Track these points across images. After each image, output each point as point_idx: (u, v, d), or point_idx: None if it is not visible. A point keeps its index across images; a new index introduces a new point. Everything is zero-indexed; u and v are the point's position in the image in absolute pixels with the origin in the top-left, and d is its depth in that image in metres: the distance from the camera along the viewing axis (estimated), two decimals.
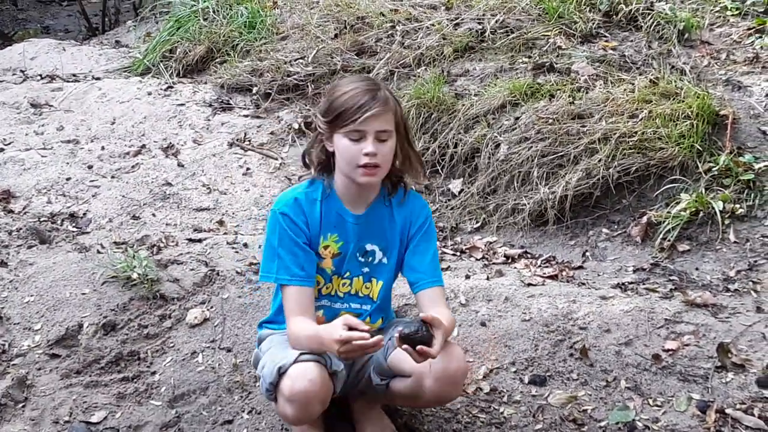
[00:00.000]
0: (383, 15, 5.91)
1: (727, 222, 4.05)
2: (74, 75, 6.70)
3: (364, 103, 2.64)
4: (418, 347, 2.50)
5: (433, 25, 5.67)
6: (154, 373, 3.34)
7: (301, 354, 2.62)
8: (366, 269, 2.89)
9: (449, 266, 4.09)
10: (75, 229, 4.35)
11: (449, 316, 2.75)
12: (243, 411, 3.15)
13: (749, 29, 5.33)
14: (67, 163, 5.09)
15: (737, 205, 4.08)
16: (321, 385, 2.59)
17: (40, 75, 6.69)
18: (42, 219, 4.42)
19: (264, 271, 2.83)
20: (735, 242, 3.99)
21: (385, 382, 2.88)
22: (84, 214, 4.54)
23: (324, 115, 2.72)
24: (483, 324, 3.53)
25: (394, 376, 2.86)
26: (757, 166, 4.20)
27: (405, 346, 2.51)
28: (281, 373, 2.61)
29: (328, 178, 2.84)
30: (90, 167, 5.09)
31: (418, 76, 5.33)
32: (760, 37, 5.23)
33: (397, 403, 3.05)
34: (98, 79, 6.52)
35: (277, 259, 2.78)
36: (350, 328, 2.50)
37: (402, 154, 2.79)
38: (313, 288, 2.81)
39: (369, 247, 2.87)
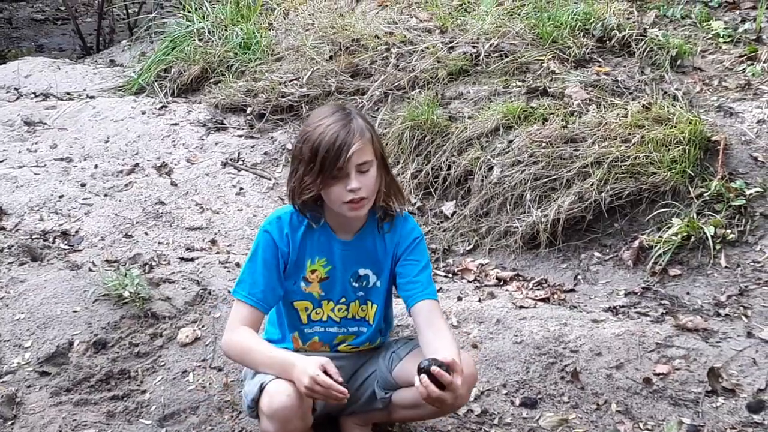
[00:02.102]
0: (378, 37, 5.93)
1: (718, 247, 4.07)
2: (68, 93, 6.71)
3: (342, 142, 2.59)
4: (435, 371, 2.47)
5: (427, 48, 5.70)
6: (144, 391, 3.33)
7: None
8: (361, 293, 2.88)
9: (441, 287, 4.09)
10: (67, 247, 4.34)
11: (452, 339, 2.71)
12: (233, 431, 3.14)
13: (741, 56, 5.38)
14: (60, 181, 5.09)
15: (728, 231, 4.11)
16: (298, 400, 2.55)
17: (34, 93, 6.69)
18: (34, 236, 4.41)
19: (235, 287, 2.82)
20: (726, 267, 4.01)
21: (389, 395, 2.89)
22: (76, 231, 4.53)
23: (307, 170, 2.65)
24: (474, 346, 3.53)
25: (397, 389, 2.86)
26: (748, 192, 4.22)
27: (423, 376, 2.49)
28: (261, 388, 2.61)
29: (316, 212, 2.81)
30: (83, 185, 5.08)
31: (413, 99, 5.35)
32: (752, 64, 5.28)
33: (396, 418, 3.02)
34: (92, 97, 6.53)
35: (242, 274, 2.79)
36: (326, 373, 2.47)
37: (383, 183, 2.77)
38: (263, 315, 2.78)
39: (362, 272, 2.87)
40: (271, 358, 2.62)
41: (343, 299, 2.87)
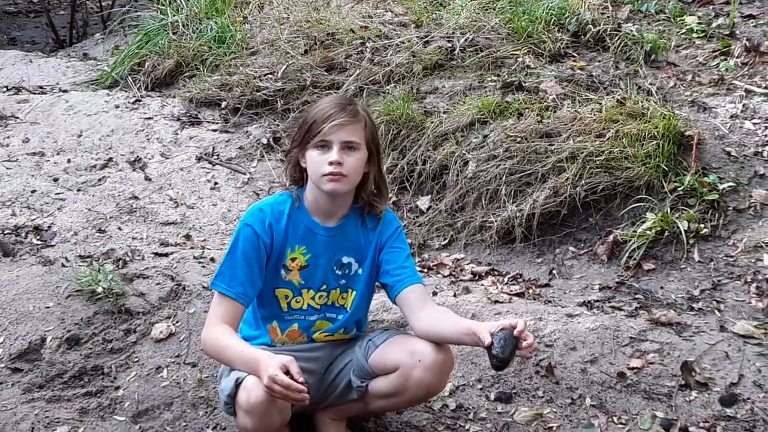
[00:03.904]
0: (353, 32, 5.92)
1: (691, 241, 4.10)
2: (41, 87, 6.63)
3: (332, 114, 2.69)
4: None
5: (402, 42, 5.69)
6: (117, 388, 3.31)
7: None
8: (343, 281, 2.90)
9: None
10: (39, 242, 4.30)
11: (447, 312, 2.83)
12: (208, 427, 3.12)
13: (714, 51, 5.42)
14: (33, 176, 5.04)
15: (702, 225, 4.14)
16: None
17: (6, 86, 6.60)
18: (6, 231, 4.36)
19: (214, 279, 2.83)
20: (699, 261, 4.04)
21: (365, 384, 2.89)
22: (49, 227, 4.49)
23: (296, 133, 2.78)
24: None
25: (373, 378, 2.87)
26: (721, 187, 4.26)
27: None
28: (238, 384, 2.60)
29: (298, 191, 2.86)
30: (56, 180, 5.04)
31: (388, 93, 5.35)
32: (725, 59, 5.32)
33: (372, 409, 3.01)
34: (65, 91, 6.46)
35: (222, 267, 2.80)
36: (287, 373, 2.46)
37: (372, 179, 2.83)
38: (243, 307, 2.79)
39: (345, 259, 2.88)
40: (241, 355, 2.61)
41: (324, 286, 2.88)
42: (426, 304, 2.84)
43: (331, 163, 2.68)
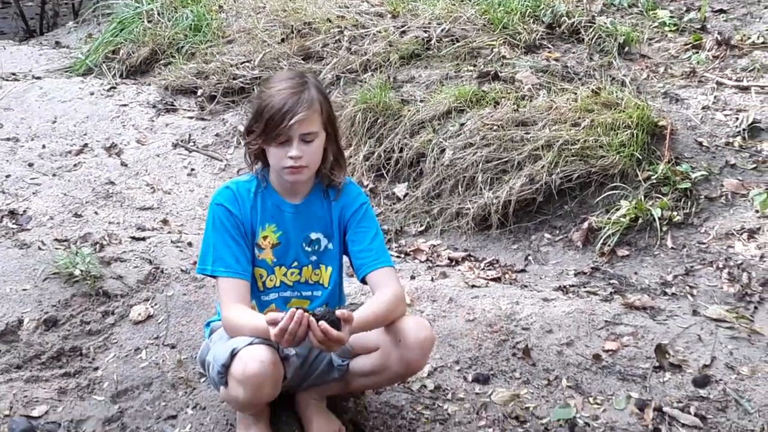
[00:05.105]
0: (330, 21, 5.94)
1: (665, 228, 4.16)
2: (14, 74, 6.58)
3: (288, 109, 2.66)
4: (321, 325, 2.51)
5: (379, 32, 5.72)
6: (96, 368, 3.30)
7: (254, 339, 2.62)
8: (314, 257, 2.90)
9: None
10: (15, 226, 4.27)
11: (390, 296, 2.76)
12: (187, 406, 3.12)
13: (686, 44, 5.50)
14: (7, 161, 5.01)
15: (675, 213, 4.20)
16: (272, 367, 2.57)
17: None
18: None
19: (201, 264, 2.83)
20: (672, 248, 4.10)
21: (346, 363, 2.91)
22: (24, 211, 4.46)
23: (253, 126, 2.75)
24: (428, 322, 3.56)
25: (354, 357, 2.89)
26: (693, 176, 4.32)
27: (322, 322, 2.51)
28: (233, 354, 2.60)
29: (263, 171, 2.87)
30: (30, 165, 5.01)
31: (365, 82, 5.37)
32: (697, 52, 5.40)
33: (353, 387, 3.04)
34: (39, 78, 6.42)
35: (212, 251, 2.79)
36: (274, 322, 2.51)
37: (330, 155, 2.84)
38: (248, 281, 2.81)
39: (314, 236, 2.89)
40: (255, 331, 2.61)
41: (296, 263, 2.88)
42: (381, 288, 2.80)
43: (291, 157, 2.70)
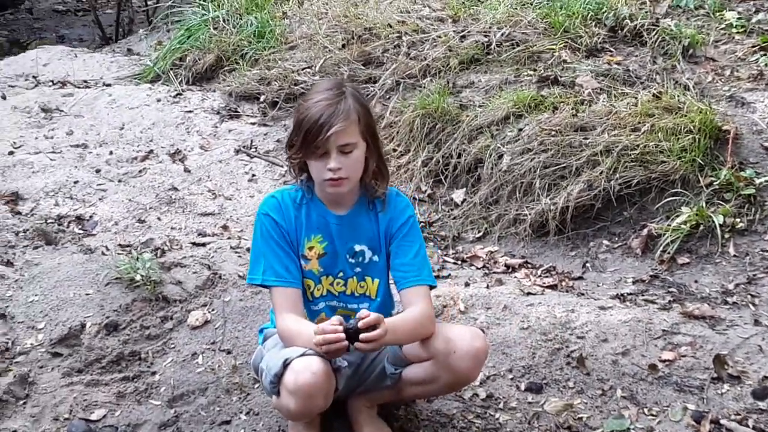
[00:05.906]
0: (390, 26, 5.96)
1: (727, 236, 4.08)
2: (85, 81, 6.77)
3: (324, 121, 2.65)
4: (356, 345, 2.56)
5: (439, 36, 5.72)
6: (154, 373, 3.38)
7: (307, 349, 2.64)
8: (358, 269, 2.91)
9: (450, 274, 4.13)
10: (81, 231, 4.40)
11: (418, 314, 2.78)
12: (241, 412, 3.17)
13: (754, 47, 5.37)
14: (76, 167, 5.15)
15: (737, 219, 4.11)
16: (324, 378, 2.59)
17: (52, 81, 6.76)
18: (49, 221, 4.46)
19: (251, 274, 2.87)
20: (734, 256, 4.01)
21: (399, 371, 2.92)
22: (90, 216, 4.59)
23: (293, 139, 2.77)
24: (482, 331, 3.55)
25: (407, 365, 2.90)
26: (758, 181, 4.23)
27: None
28: (286, 365, 2.62)
29: (308, 182, 2.88)
30: (98, 171, 5.14)
31: (424, 87, 5.38)
32: (765, 54, 5.27)
33: (405, 395, 3.05)
34: (109, 85, 6.59)
35: (263, 261, 2.82)
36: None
37: (372, 165, 2.83)
38: (300, 289, 2.83)
39: (358, 247, 2.90)
40: (308, 341, 2.63)
41: (341, 274, 2.90)
42: (412, 305, 2.81)
43: (330, 170, 2.70)
